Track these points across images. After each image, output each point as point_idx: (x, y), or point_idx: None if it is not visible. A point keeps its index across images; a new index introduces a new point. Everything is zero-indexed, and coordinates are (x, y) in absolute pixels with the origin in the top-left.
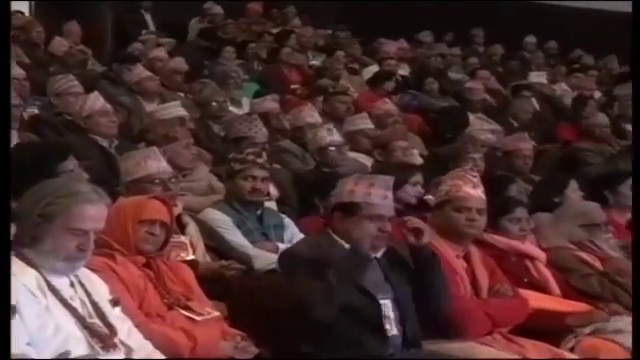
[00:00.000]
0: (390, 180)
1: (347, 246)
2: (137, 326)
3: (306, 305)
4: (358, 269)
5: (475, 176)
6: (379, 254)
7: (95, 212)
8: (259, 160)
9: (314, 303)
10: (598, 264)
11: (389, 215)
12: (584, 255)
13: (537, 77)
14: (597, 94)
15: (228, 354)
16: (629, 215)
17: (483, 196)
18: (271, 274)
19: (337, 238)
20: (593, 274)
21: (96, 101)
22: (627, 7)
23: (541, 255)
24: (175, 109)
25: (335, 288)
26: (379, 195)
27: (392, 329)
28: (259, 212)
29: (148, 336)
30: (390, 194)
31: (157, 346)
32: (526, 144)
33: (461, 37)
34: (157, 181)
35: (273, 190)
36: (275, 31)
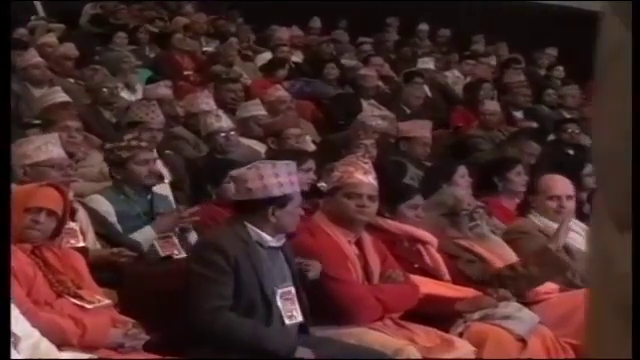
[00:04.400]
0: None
1: (267, 236)
2: (24, 313)
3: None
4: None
5: (367, 162)
6: (281, 242)
7: None
8: (142, 144)
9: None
10: (480, 250)
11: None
12: (464, 242)
13: (425, 63)
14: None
15: (118, 341)
16: (517, 200)
17: (374, 183)
18: (164, 261)
19: (255, 229)
20: (476, 261)
21: None
22: None
23: (433, 240)
24: (56, 94)
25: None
26: (297, 182)
27: (298, 316)
28: (149, 197)
29: (36, 324)
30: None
31: (45, 333)
32: (428, 132)
33: (355, 25)
34: (56, 167)
35: (166, 173)
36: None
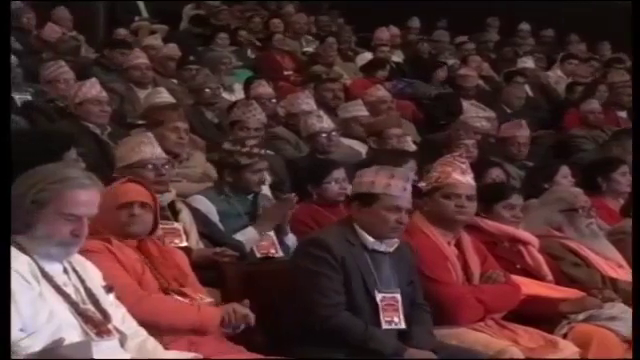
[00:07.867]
0: (410, 172)
1: (370, 239)
2: (140, 300)
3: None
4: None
5: (464, 162)
6: (392, 249)
7: (87, 197)
8: (261, 152)
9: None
10: (587, 252)
11: (406, 207)
12: (572, 244)
13: (524, 62)
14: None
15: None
16: (622, 201)
17: (473, 182)
18: (266, 260)
19: (361, 231)
20: (582, 265)
21: (91, 88)
22: None
23: (534, 240)
24: (161, 95)
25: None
26: (398, 187)
27: (400, 323)
28: (252, 197)
29: (154, 305)
30: (409, 186)
31: (163, 314)
32: (522, 131)
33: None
34: (150, 166)
35: (266, 176)
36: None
